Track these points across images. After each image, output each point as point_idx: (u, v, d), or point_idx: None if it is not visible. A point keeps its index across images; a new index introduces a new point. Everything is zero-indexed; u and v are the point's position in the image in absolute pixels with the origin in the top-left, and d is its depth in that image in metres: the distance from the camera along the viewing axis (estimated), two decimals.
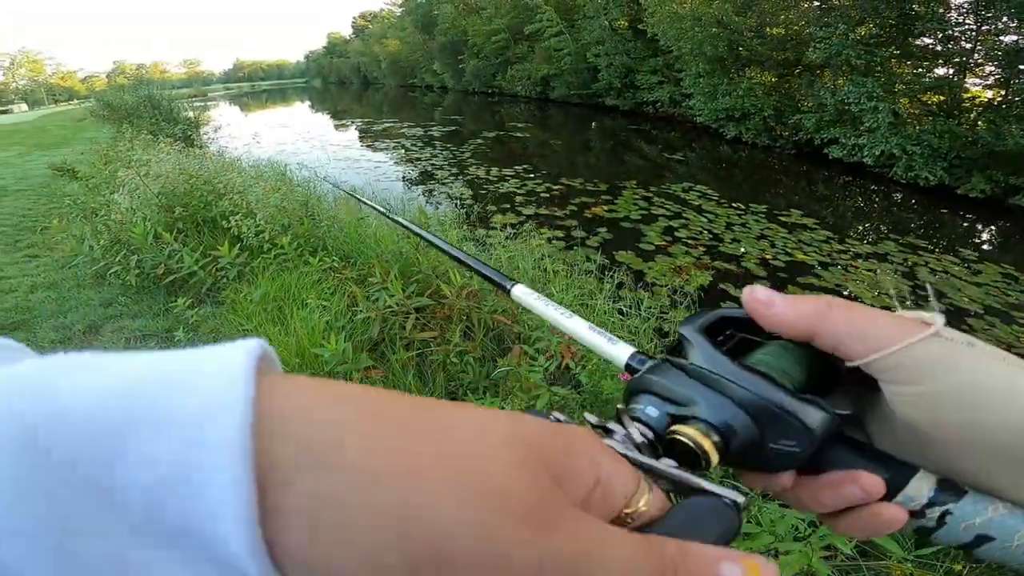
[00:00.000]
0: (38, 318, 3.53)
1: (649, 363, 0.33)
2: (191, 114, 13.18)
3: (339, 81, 75.31)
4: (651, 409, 0.29)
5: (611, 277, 3.73)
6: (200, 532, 0.14)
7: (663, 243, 5.61)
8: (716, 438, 0.27)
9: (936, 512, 0.25)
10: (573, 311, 0.40)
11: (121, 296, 3.73)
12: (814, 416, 0.26)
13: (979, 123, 9.18)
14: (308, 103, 38.41)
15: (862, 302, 0.28)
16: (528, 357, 2.18)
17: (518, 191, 7.76)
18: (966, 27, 9.57)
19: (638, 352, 0.35)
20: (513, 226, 5.04)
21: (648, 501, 0.21)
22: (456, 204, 6.99)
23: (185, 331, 3.02)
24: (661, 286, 4.22)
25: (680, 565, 0.17)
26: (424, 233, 0.58)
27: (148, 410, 0.14)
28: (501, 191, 7.76)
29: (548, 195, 7.55)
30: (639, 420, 0.29)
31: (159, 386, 0.15)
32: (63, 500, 0.13)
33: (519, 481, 0.16)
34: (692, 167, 10.66)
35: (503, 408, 1.92)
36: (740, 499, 0.23)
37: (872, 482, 0.26)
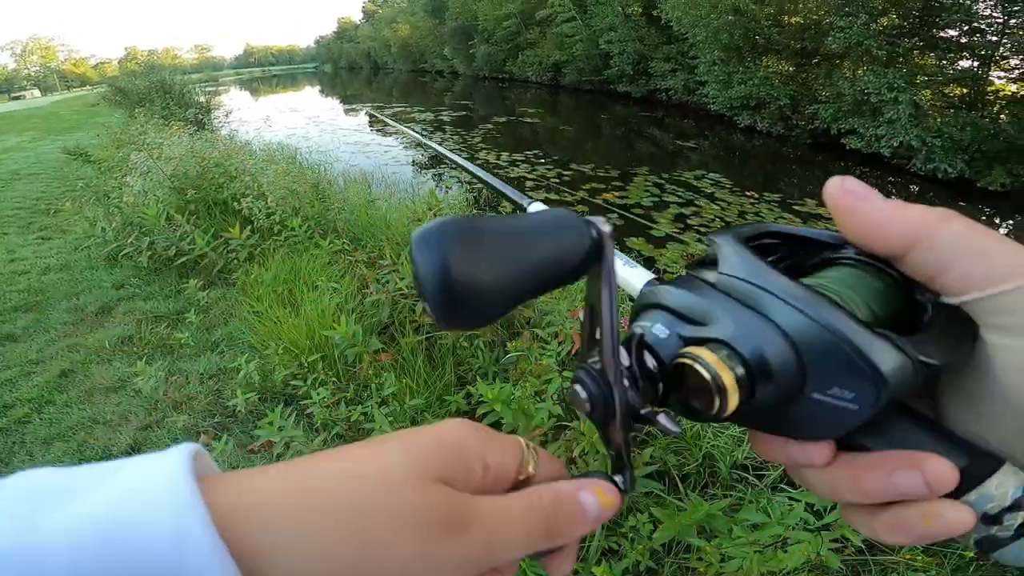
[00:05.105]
0: (51, 299, 3.55)
1: None
2: (202, 99, 13.18)
3: (349, 66, 74.87)
4: (659, 328, 0.22)
5: None
6: None
7: (675, 230, 5.55)
8: (740, 371, 0.19)
9: (1018, 519, 0.19)
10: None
11: (133, 277, 3.75)
12: (890, 358, 0.18)
13: (1002, 116, 8.96)
14: (318, 88, 38.34)
15: None
16: (541, 341, 2.15)
17: (528, 176, 7.72)
18: (993, 19, 9.30)
19: (657, 279, 0.28)
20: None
21: (535, 464, 0.24)
22: (466, 187, 6.95)
23: (196, 312, 3.02)
24: (672, 273, 4.17)
25: (555, 505, 0.22)
26: (439, 148, 0.64)
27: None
28: (512, 175, 7.73)
29: (559, 180, 7.50)
30: (643, 343, 0.22)
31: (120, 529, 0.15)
32: None
33: (426, 503, 0.19)
34: (705, 155, 10.51)
35: (514, 394, 1.91)
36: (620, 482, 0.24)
37: (941, 469, 0.19)
